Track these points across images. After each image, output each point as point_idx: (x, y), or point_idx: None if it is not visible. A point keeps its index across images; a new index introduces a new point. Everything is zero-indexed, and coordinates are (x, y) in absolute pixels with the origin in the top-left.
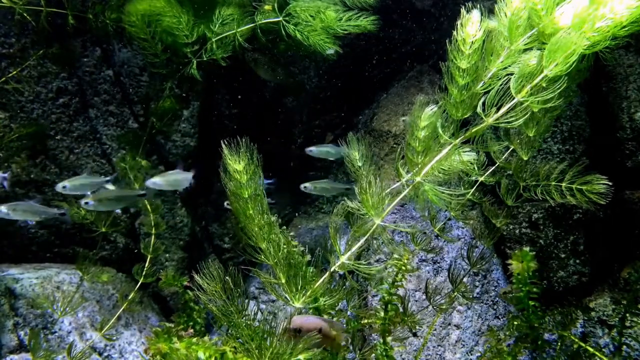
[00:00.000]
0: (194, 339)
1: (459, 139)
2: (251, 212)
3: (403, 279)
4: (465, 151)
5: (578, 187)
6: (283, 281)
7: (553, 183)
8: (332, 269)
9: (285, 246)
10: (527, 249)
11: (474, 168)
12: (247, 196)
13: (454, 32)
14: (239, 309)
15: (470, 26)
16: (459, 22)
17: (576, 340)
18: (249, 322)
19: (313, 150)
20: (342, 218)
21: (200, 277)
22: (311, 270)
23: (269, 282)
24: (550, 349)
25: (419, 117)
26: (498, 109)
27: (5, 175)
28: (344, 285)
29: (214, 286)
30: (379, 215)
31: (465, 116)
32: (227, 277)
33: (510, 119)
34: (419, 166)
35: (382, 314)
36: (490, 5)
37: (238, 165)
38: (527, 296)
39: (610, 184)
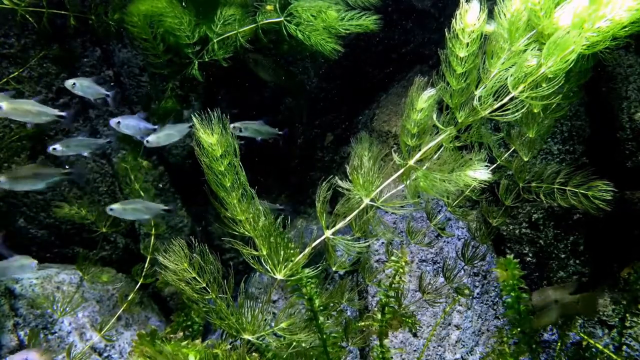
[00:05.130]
0: (184, 342)
1: (455, 129)
2: (228, 185)
3: (401, 281)
4: (479, 169)
5: (583, 192)
6: (264, 253)
7: (557, 186)
8: (315, 243)
9: (265, 219)
10: (510, 256)
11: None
12: (222, 169)
13: (453, 21)
14: (211, 283)
15: (470, 15)
16: (458, 12)
17: (585, 337)
18: (225, 296)
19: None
20: (329, 193)
21: (164, 257)
22: (292, 244)
23: (250, 254)
24: (550, 349)
25: (416, 99)
26: (496, 99)
27: (110, 93)
28: (345, 284)
29: (180, 263)
30: (368, 195)
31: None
32: (194, 255)
33: (506, 113)
34: (413, 150)
35: (379, 316)
36: (489, 7)
37: (211, 138)
38: (516, 302)
39: (615, 190)
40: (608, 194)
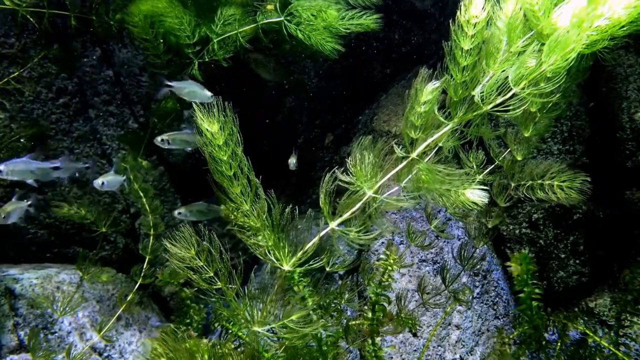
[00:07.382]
0: (195, 341)
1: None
2: (232, 173)
3: (390, 279)
4: (476, 190)
5: (559, 184)
6: (271, 243)
7: (538, 181)
8: (321, 234)
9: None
10: (525, 251)
11: (474, 166)
12: (225, 158)
13: (458, 13)
14: (220, 273)
15: (474, 7)
16: (462, 3)
17: (590, 334)
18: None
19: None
20: (332, 185)
21: (171, 243)
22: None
23: (256, 245)
24: (551, 349)
25: (421, 91)
26: (498, 94)
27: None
28: (345, 284)
29: (187, 252)
30: (371, 188)
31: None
32: (204, 242)
33: (507, 109)
34: (415, 143)
35: (370, 314)
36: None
37: (213, 126)
38: (529, 297)
39: (589, 179)
40: (578, 183)
